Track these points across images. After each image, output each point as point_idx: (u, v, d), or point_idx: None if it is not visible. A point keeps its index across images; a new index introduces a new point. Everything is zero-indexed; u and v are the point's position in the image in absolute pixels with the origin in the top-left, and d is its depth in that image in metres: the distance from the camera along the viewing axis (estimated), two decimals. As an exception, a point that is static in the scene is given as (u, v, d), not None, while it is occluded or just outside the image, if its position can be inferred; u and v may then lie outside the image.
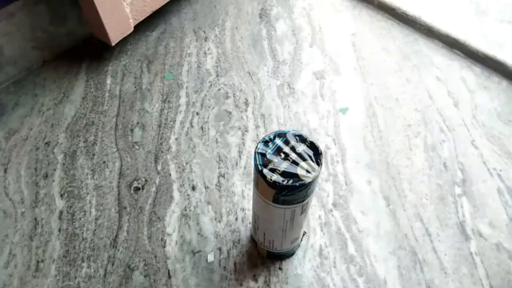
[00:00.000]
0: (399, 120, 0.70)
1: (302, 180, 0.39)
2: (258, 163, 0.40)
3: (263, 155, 0.41)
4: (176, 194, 0.60)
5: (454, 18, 0.83)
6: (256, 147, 0.42)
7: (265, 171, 0.40)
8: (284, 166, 0.40)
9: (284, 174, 0.40)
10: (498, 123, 0.69)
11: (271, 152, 0.41)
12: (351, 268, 0.54)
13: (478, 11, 0.86)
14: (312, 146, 0.42)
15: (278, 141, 0.42)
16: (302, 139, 0.42)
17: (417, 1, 0.86)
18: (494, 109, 0.71)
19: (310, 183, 0.40)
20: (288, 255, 0.55)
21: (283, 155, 0.41)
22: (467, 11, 0.86)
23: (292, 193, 0.40)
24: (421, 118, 0.70)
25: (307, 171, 0.40)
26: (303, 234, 0.56)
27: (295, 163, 0.40)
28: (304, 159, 0.41)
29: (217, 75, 0.75)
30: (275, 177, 0.39)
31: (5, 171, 0.62)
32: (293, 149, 0.42)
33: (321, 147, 0.66)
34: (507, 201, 0.60)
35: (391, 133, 0.68)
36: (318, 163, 0.41)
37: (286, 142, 0.42)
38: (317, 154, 0.41)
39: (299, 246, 0.56)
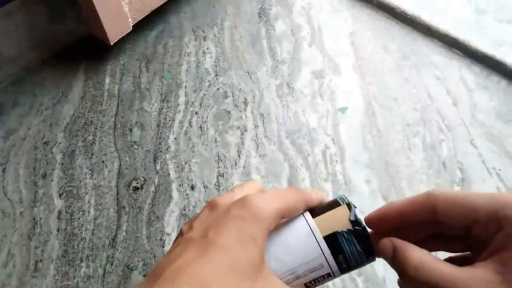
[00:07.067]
0: (398, 120, 0.70)
1: None
2: None
3: None
4: (175, 194, 0.60)
5: (453, 17, 0.83)
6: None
7: None
8: None
9: None
10: (497, 122, 0.69)
11: None
12: (350, 268, 0.54)
13: (477, 11, 0.86)
14: None
15: None
16: None
17: (416, 0, 0.86)
18: (493, 108, 0.71)
19: None
20: None
21: None
22: (466, 10, 0.86)
23: None
24: (420, 117, 0.70)
25: None
26: None
27: None
28: None
29: (216, 75, 0.75)
30: None
31: (3, 170, 0.62)
32: None
33: (320, 147, 0.66)
34: (506, 201, 0.60)
35: (390, 133, 0.68)
36: None
37: None
38: None
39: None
